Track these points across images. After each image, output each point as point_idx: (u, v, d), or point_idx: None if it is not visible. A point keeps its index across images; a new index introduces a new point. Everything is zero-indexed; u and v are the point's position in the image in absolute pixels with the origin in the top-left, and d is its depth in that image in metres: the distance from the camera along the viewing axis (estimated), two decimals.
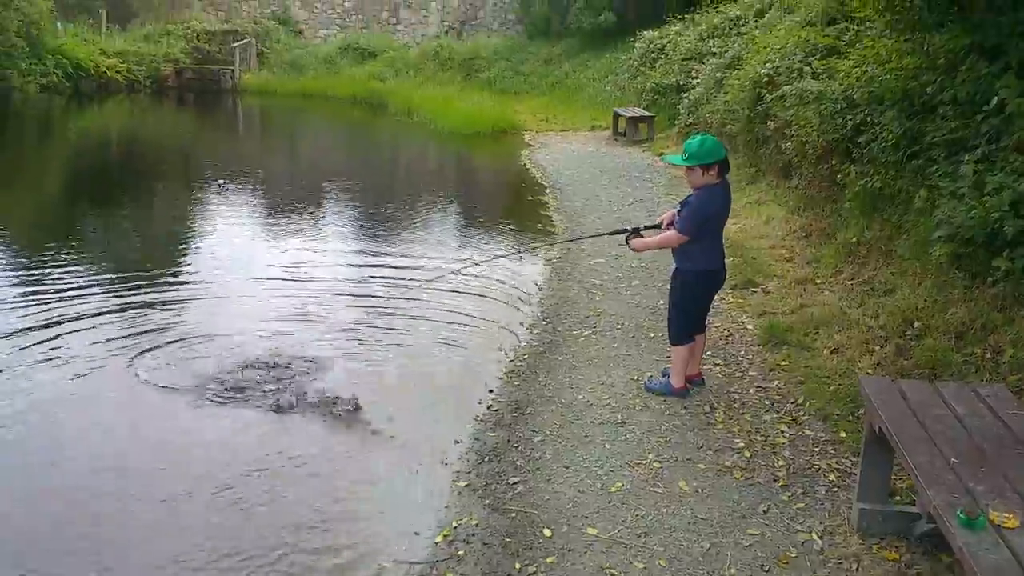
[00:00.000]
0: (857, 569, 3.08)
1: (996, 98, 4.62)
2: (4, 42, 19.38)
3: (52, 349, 5.34)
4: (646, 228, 4.61)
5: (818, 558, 3.17)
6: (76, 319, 5.89)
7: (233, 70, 24.99)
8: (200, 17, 27.27)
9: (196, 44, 25.77)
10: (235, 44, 25.32)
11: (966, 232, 4.29)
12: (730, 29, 14.63)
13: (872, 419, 3.12)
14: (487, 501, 3.68)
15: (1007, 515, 2.32)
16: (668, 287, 4.67)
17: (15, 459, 4.12)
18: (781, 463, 3.87)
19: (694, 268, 4.44)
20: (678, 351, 4.55)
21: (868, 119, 6.19)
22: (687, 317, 4.54)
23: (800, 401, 4.48)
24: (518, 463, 3.99)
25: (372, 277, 7.37)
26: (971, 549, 2.20)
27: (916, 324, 4.60)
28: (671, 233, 4.37)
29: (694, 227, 4.27)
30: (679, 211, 4.43)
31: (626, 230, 4.60)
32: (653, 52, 17.57)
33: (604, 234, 5.35)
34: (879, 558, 3.13)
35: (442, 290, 6.82)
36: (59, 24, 23.06)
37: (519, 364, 5.24)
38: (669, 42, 17.03)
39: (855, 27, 8.12)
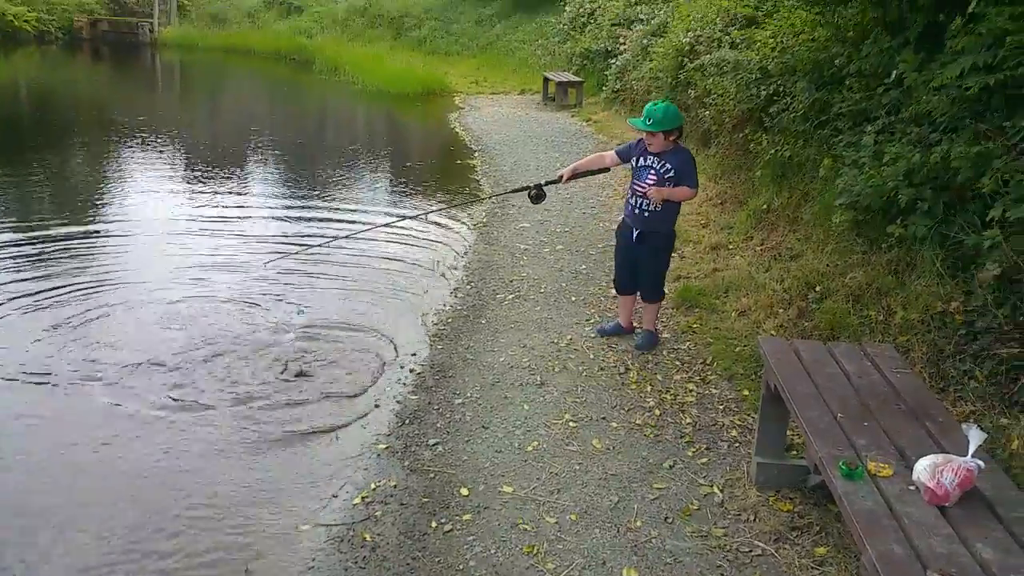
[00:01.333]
0: (754, 520, 3.28)
1: (895, 71, 4.83)
2: None
3: None
4: (547, 183, 4.84)
5: (719, 510, 3.35)
6: None
7: (152, 22, 23.94)
8: None
9: None
10: None
11: (865, 200, 4.51)
12: None
13: (768, 377, 3.30)
14: (406, 463, 3.75)
15: (883, 465, 2.51)
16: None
17: None
18: (688, 421, 4.06)
19: (672, 226, 4.71)
20: (658, 305, 4.88)
21: (781, 89, 6.39)
22: (665, 271, 4.85)
23: (708, 361, 4.68)
24: (438, 425, 4.07)
25: (291, 236, 7.27)
26: (849, 497, 2.38)
27: (817, 288, 4.83)
28: (687, 190, 4.53)
29: (696, 181, 4.54)
30: (634, 161, 4.59)
31: (528, 187, 4.87)
32: (583, 17, 17.59)
33: (509, 192, 5.65)
34: (775, 509, 3.33)
35: (368, 255, 6.82)
36: None
37: (442, 328, 5.30)
38: (599, 7, 17.05)
39: None
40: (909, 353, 3.92)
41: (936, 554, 2.13)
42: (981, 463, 2.38)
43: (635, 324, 5.05)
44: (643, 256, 4.72)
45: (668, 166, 4.48)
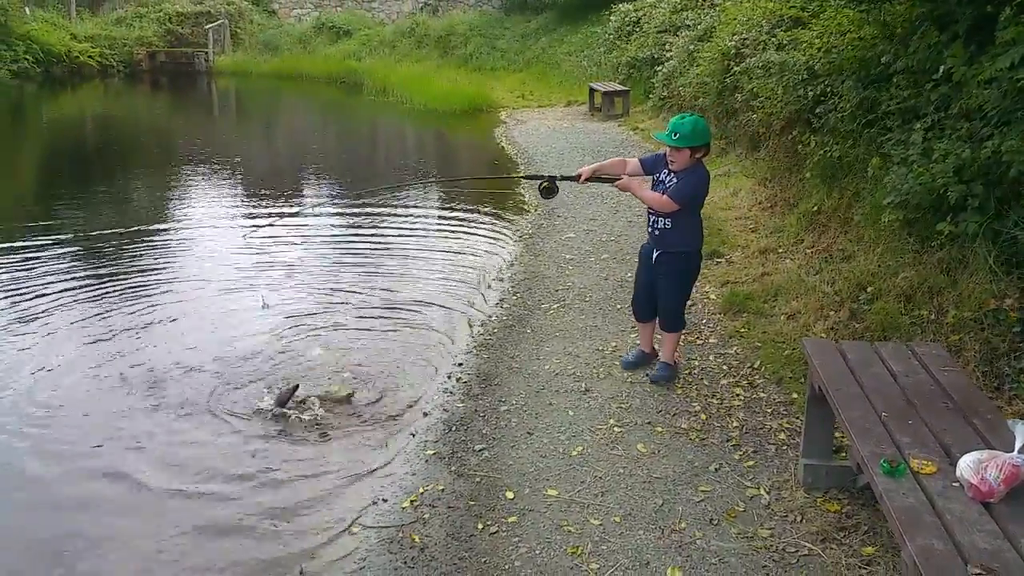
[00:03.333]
0: (801, 521, 3.25)
1: (943, 67, 4.74)
2: None
3: (29, 329, 5.43)
4: (563, 178, 4.48)
5: (765, 511, 3.33)
6: (51, 305, 5.97)
7: (207, 52, 24.79)
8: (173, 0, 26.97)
9: (169, 27, 25.52)
10: (208, 26, 25.08)
11: (914, 198, 4.43)
12: (703, 0, 14.69)
13: (813, 379, 3.27)
14: (453, 468, 3.82)
15: (926, 462, 2.47)
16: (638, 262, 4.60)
17: None
18: (735, 424, 4.03)
19: (695, 247, 4.38)
20: (677, 336, 4.53)
21: (828, 89, 6.31)
22: (687, 299, 4.54)
23: (756, 365, 4.64)
24: (484, 431, 4.13)
25: (343, 257, 7.45)
26: (890, 494, 2.35)
27: (869, 289, 4.75)
28: (663, 198, 4.18)
29: (688, 200, 4.19)
30: (655, 176, 4.33)
31: (542, 177, 4.48)
32: (628, 25, 17.59)
33: (520, 177, 5.34)
34: (822, 510, 3.29)
35: (415, 268, 6.96)
36: (27, 9, 22.72)
37: (488, 338, 5.37)
38: (644, 15, 17.04)
39: None
40: (962, 352, 3.84)
41: (979, 550, 2.09)
42: None
43: (657, 349, 4.72)
44: (661, 280, 4.40)
45: (675, 181, 4.18)
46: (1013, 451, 2.37)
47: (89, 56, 22.86)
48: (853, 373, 3.15)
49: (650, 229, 4.39)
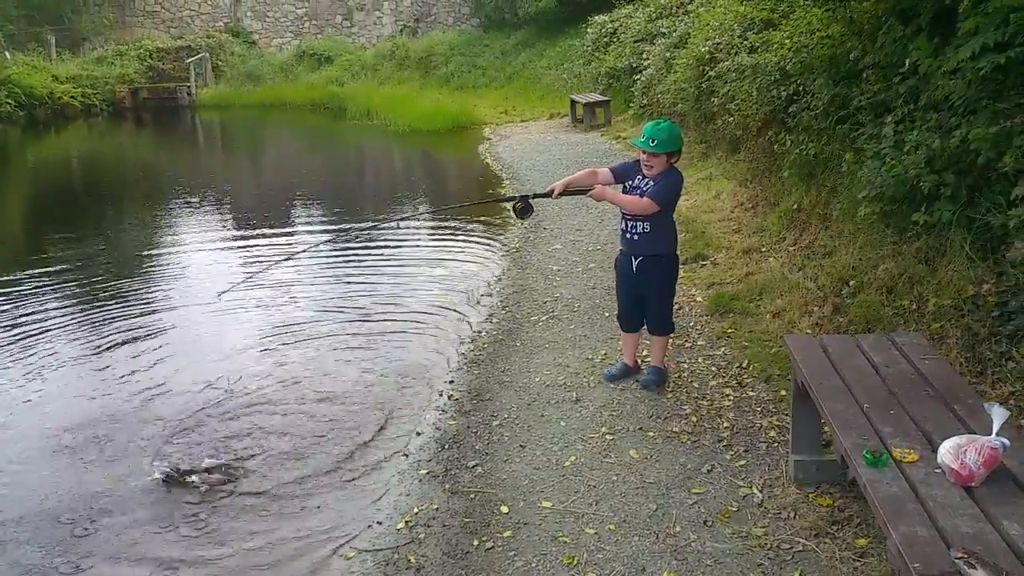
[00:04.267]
0: (794, 517, 3.27)
1: (909, 60, 4.81)
2: None
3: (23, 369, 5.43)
4: (535, 196, 4.48)
5: (758, 510, 3.35)
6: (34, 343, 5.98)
7: (189, 86, 24.86)
8: (152, 35, 27.04)
9: (150, 63, 25.58)
10: (189, 60, 25.18)
11: (888, 190, 4.48)
12: (677, 8, 14.83)
13: (797, 375, 3.30)
14: (447, 486, 3.83)
15: (908, 451, 2.50)
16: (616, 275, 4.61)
17: None
18: (725, 425, 4.06)
19: (674, 248, 4.43)
20: (666, 340, 4.56)
21: (800, 88, 6.39)
22: (673, 301, 4.56)
23: (744, 365, 4.67)
24: (477, 447, 4.15)
25: (330, 278, 7.48)
26: (873, 484, 2.38)
27: (851, 282, 4.80)
28: (644, 200, 4.19)
29: (668, 201, 4.23)
30: (626, 183, 4.36)
31: (514, 198, 4.49)
32: (605, 36, 17.75)
33: (493, 201, 5.26)
34: (814, 505, 3.31)
35: (404, 289, 6.99)
36: (7, 53, 22.78)
37: (478, 353, 5.39)
38: (620, 25, 17.20)
39: None
40: (944, 340, 3.87)
41: (961, 534, 2.12)
42: (1006, 441, 2.36)
43: (639, 361, 4.75)
44: (648, 286, 4.40)
45: (652, 184, 4.22)
46: (991, 434, 2.39)
47: (71, 97, 22.88)
48: (835, 367, 3.18)
49: (628, 236, 4.38)
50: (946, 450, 2.37)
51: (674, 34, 13.02)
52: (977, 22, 4.07)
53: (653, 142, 4.15)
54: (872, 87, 5.34)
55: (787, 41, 6.94)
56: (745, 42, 8.36)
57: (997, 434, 2.39)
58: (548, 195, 4.43)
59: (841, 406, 2.86)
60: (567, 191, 4.41)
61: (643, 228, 4.30)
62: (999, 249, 3.88)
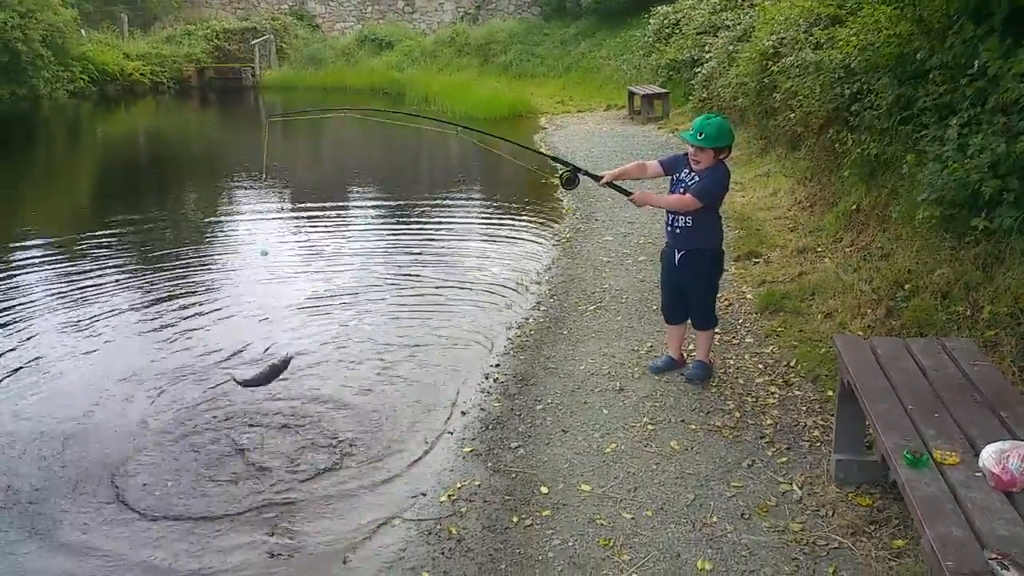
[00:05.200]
0: (832, 515, 3.28)
1: (978, 61, 4.71)
2: (30, 52, 19.85)
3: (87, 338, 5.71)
4: (586, 173, 4.55)
5: (797, 506, 3.37)
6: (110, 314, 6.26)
7: (254, 67, 25.39)
8: (220, 16, 27.66)
9: (217, 43, 26.18)
10: (254, 41, 25.70)
11: (948, 194, 4.41)
12: (742, 1, 14.62)
13: (843, 375, 3.30)
14: (489, 464, 3.93)
15: (949, 453, 2.50)
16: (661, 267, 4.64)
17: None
18: (769, 422, 4.07)
19: (718, 244, 4.42)
20: (710, 334, 4.56)
21: (864, 87, 6.28)
22: (716, 295, 4.56)
23: (792, 364, 4.66)
24: (520, 429, 4.24)
25: (387, 267, 7.64)
26: (911, 484, 2.39)
27: (906, 286, 4.74)
28: (687, 197, 4.22)
29: (711, 197, 4.25)
30: (674, 175, 4.39)
31: (567, 164, 4.64)
32: (667, 28, 17.57)
33: (547, 156, 5.34)
34: (853, 504, 3.32)
35: (454, 276, 7.10)
36: (83, 31, 23.57)
37: (525, 340, 5.47)
38: (683, 16, 17.00)
39: None
40: (997, 348, 3.82)
41: (998, 536, 2.13)
42: None
43: (685, 355, 4.79)
44: (689, 280, 4.42)
45: (697, 180, 4.23)
46: None
47: (141, 74, 23.58)
48: (883, 368, 3.18)
49: (669, 229, 4.43)
50: (988, 454, 2.38)
51: (738, 27, 12.85)
52: None
53: (700, 136, 4.17)
54: (938, 88, 5.23)
55: (853, 38, 6.81)
56: (810, 38, 8.22)
57: None
58: (597, 179, 4.52)
59: (885, 406, 2.87)
60: (614, 185, 4.52)
61: (685, 222, 4.33)
62: None
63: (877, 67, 6.19)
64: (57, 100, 20.93)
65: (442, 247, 8.13)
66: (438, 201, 10.60)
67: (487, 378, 4.94)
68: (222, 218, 9.84)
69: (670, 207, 4.36)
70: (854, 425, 3.39)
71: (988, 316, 3.95)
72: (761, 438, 3.93)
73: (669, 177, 4.46)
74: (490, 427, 4.30)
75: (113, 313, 6.22)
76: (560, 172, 4.63)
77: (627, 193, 4.50)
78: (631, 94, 15.92)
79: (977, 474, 2.40)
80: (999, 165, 4.17)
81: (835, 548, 3.08)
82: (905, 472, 2.45)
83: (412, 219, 9.49)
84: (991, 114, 4.58)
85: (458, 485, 3.76)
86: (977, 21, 5.15)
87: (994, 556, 2.02)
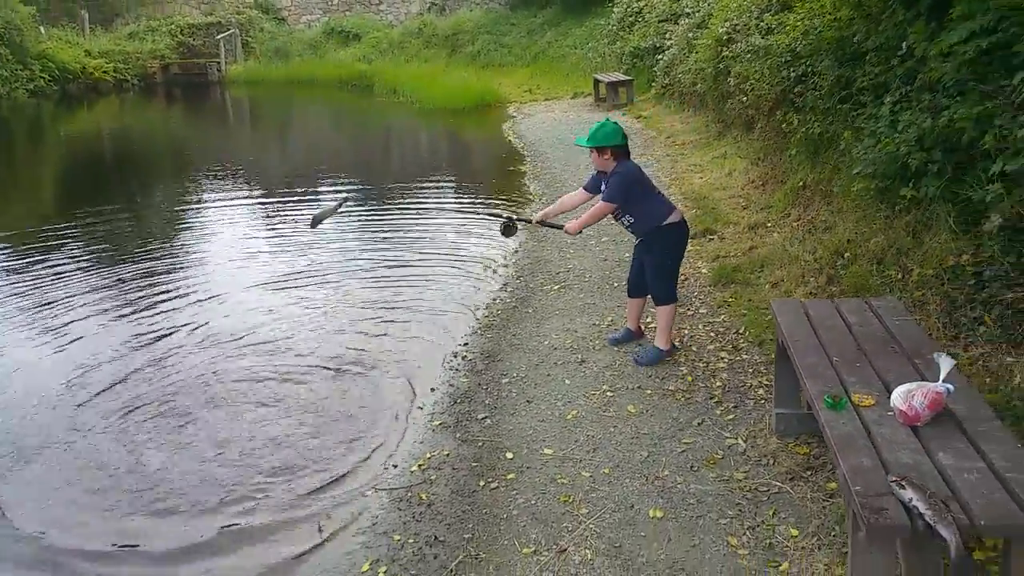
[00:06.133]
0: (773, 463, 3.57)
1: (906, 43, 5.01)
2: None
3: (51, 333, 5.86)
4: (519, 220, 4.97)
5: (741, 457, 3.65)
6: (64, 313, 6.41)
7: (219, 62, 25.31)
8: (183, 11, 27.47)
9: (181, 39, 26.06)
10: (219, 36, 25.61)
11: (881, 167, 4.71)
12: None
13: (779, 335, 3.58)
14: (458, 435, 4.17)
15: (865, 396, 2.78)
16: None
17: None
18: (718, 384, 4.35)
19: (657, 223, 4.59)
20: (667, 311, 4.65)
21: (809, 69, 6.59)
22: (672, 273, 4.72)
23: (741, 331, 4.95)
24: (487, 402, 4.48)
25: (358, 252, 7.84)
26: (830, 424, 2.67)
27: (846, 254, 5.05)
28: (599, 204, 4.56)
29: (620, 195, 4.51)
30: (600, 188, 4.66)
31: (501, 216, 5.02)
32: (631, 16, 17.84)
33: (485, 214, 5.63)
34: (792, 453, 3.61)
35: (425, 262, 7.32)
36: (42, 28, 23.32)
37: (492, 319, 5.72)
38: (646, 4, 17.28)
39: None
40: (925, 306, 4.13)
41: (901, 464, 2.41)
42: (951, 387, 2.64)
43: (643, 328, 5.07)
44: (645, 257, 4.73)
45: (605, 185, 4.58)
46: (938, 380, 2.67)
47: (104, 72, 23.43)
48: (813, 327, 3.46)
49: (625, 228, 4.73)
50: (897, 394, 2.66)
51: (697, 14, 13.14)
52: (966, 7, 4.27)
53: (587, 139, 4.51)
54: (874, 69, 5.55)
55: (799, 23, 7.12)
56: (761, 24, 8.53)
57: (944, 380, 2.67)
58: (528, 222, 4.95)
59: (813, 360, 3.15)
60: (544, 222, 4.88)
61: (629, 220, 4.61)
62: (979, 223, 4.10)
63: (820, 50, 6.50)
64: (16, 100, 20.76)
65: (413, 233, 8.33)
66: (408, 189, 10.79)
67: (455, 356, 5.18)
68: (187, 208, 9.97)
69: (596, 219, 4.66)
70: (790, 381, 3.66)
71: (917, 278, 4.25)
72: (711, 399, 4.21)
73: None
74: (458, 401, 4.54)
75: (68, 303, 6.43)
76: (500, 224, 4.95)
77: (559, 227, 4.85)
78: (596, 81, 16.17)
79: (888, 413, 2.68)
80: (925, 139, 4.47)
81: (775, 493, 3.37)
82: (825, 414, 2.72)
83: (383, 206, 9.67)
84: (919, 92, 4.89)
85: (428, 455, 4.00)
86: (907, 5, 5.46)
87: (894, 479, 2.29)
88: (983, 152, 4.09)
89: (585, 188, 4.80)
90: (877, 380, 2.94)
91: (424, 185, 11.18)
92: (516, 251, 7.35)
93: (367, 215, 9.32)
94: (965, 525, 2.15)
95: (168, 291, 6.67)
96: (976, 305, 3.86)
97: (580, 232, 4.80)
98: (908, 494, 2.22)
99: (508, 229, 4.93)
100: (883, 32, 5.54)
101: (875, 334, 3.32)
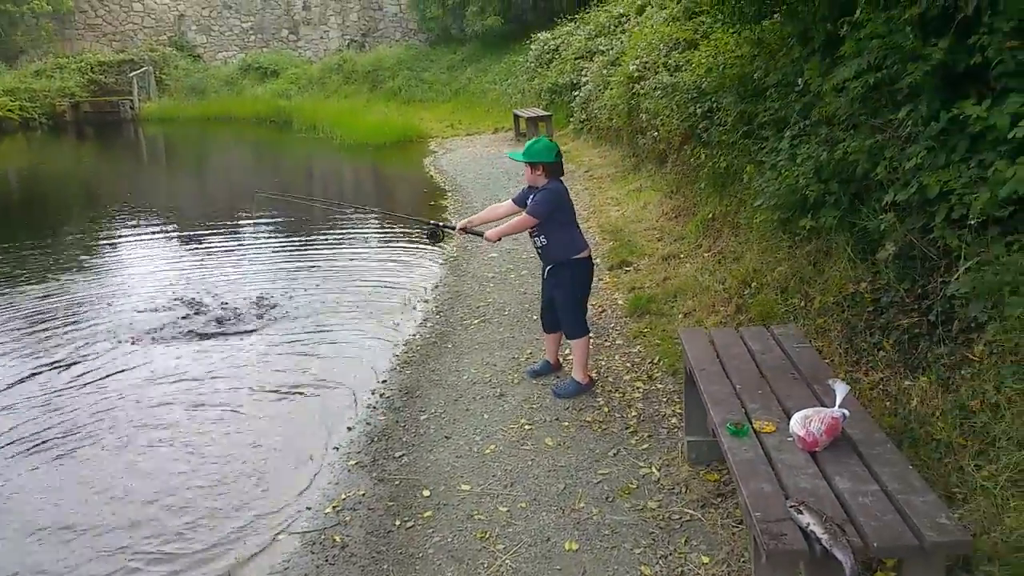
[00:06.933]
0: (685, 491, 3.62)
1: (802, 79, 5.26)
2: None
3: None
4: (445, 227, 5.10)
5: (655, 486, 3.70)
6: None
7: (132, 99, 24.65)
8: (94, 49, 26.73)
9: (92, 76, 25.30)
10: (132, 73, 24.98)
11: (782, 199, 4.90)
12: (615, 27, 15.37)
13: (686, 363, 3.66)
14: (374, 474, 4.10)
15: (766, 423, 2.86)
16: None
17: None
18: (634, 414, 4.41)
19: (576, 255, 4.63)
20: (580, 344, 4.68)
21: (714, 105, 6.84)
22: (581, 307, 4.75)
23: (656, 360, 5.04)
24: (404, 439, 4.42)
25: (276, 290, 7.67)
26: (733, 451, 2.73)
27: (752, 284, 5.21)
28: (521, 217, 4.59)
29: (544, 212, 4.51)
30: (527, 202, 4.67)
31: (426, 223, 5.14)
32: (548, 53, 18.23)
33: (409, 218, 5.68)
34: (703, 480, 3.67)
35: (344, 297, 7.22)
36: None
37: (411, 355, 5.66)
38: (562, 42, 17.71)
39: (710, 20, 8.81)
40: (827, 332, 4.28)
41: (800, 489, 2.48)
42: (847, 412, 2.74)
43: (561, 360, 5.09)
44: (555, 292, 4.70)
45: (532, 198, 4.62)
46: (835, 407, 2.76)
47: (9, 110, 22.53)
48: (718, 355, 3.55)
49: (535, 248, 4.73)
50: (796, 420, 2.74)
51: (611, 52, 13.53)
52: (854, 45, 4.52)
53: (522, 152, 4.60)
54: (774, 104, 5.79)
55: (704, 60, 7.41)
56: (669, 61, 8.83)
57: (840, 406, 2.76)
58: (453, 229, 5.00)
59: (716, 387, 3.23)
60: (467, 229, 4.92)
61: (542, 241, 4.63)
62: (875, 251, 4.30)
63: (723, 87, 6.76)
64: None
65: (332, 269, 8.21)
66: (328, 224, 10.66)
67: (373, 393, 5.11)
68: (93, 247, 9.60)
69: (516, 230, 4.70)
70: (699, 409, 3.73)
71: (818, 306, 4.42)
72: (626, 428, 4.26)
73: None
74: (375, 439, 4.47)
75: None
76: (424, 231, 5.08)
77: (480, 234, 4.89)
78: (516, 117, 16.41)
79: (788, 439, 2.76)
80: (822, 171, 4.67)
81: (687, 521, 3.41)
82: (728, 441, 2.79)
83: (301, 243, 9.52)
84: (816, 126, 5.13)
85: (343, 496, 3.91)
86: (803, 43, 5.75)
87: (793, 504, 2.35)
88: (876, 183, 4.30)
89: (514, 200, 4.81)
90: (778, 406, 3.02)
91: (343, 221, 11.06)
92: (437, 286, 7.33)
93: (285, 251, 9.15)
94: (860, 548, 2.22)
95: (68, 331, 6.37)
96: (875, 331, 4.02)
97: (499, 240, 4.81)
98: (805, 519, 2.28)
99: (434, 236, 5.06)
100: (781, 68, 5.80)
101: (776, 361, 3.42)
